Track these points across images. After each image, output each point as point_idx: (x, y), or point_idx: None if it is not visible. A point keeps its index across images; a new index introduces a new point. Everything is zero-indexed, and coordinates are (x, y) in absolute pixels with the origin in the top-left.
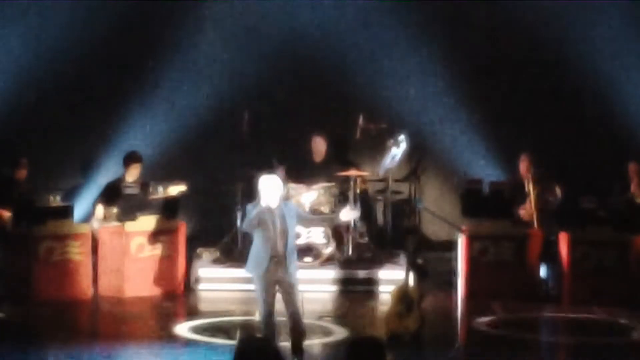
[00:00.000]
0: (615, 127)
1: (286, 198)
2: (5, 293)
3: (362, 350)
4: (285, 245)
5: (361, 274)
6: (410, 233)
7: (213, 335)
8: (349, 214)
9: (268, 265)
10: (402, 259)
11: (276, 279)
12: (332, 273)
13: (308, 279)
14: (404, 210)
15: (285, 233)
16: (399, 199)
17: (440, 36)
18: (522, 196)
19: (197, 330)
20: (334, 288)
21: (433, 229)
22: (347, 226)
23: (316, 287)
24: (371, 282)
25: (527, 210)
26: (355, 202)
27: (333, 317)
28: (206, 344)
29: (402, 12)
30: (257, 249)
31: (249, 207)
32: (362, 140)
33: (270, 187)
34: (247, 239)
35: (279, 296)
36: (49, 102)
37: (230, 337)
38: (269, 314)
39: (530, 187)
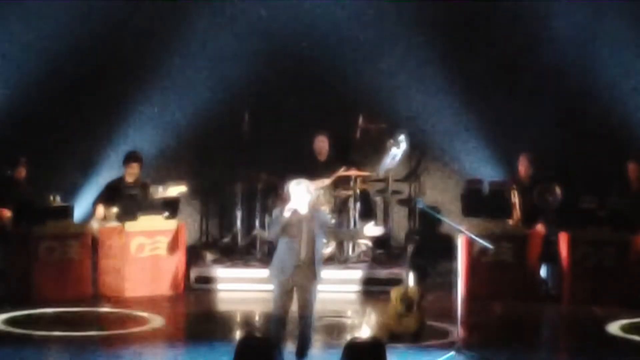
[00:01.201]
0: (615, 127)
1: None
2: (5, 293)
3: (362, 350)
4: (312, 253)
5: (361, 274)
6: (411, 233)
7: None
8: (373, 230)
9: (292, 272)
10: (402, 259)
11: (297, 285)
12: (332, 273)
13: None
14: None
15: (312, 241)
16: (399, 199)
17: (440, 36)
18: (512, 199)
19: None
20: (333, 288)
21: (433, 229)
22: (346, 226)
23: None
24: (371, 282)
25: (515, 220)
26: (355, 202)
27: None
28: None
29: (403, 11)
30: (281, 255)
31: (276, 211)
32: (362, 140)
33: (300, 192)
34: (248, 240)
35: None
36: (49, 102)
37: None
38: (280, 317)
39: (515, 198)
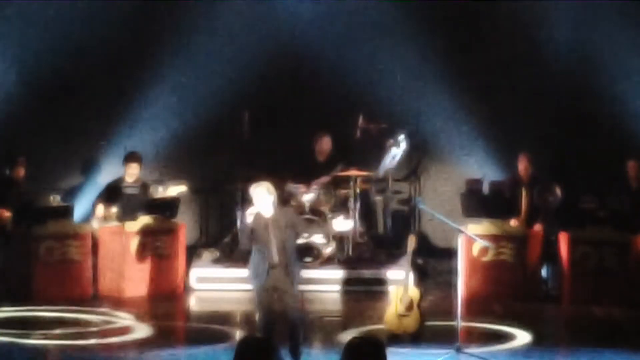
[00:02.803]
0: (615, 126)
1: (287, 199)
2: (5, 293)
3: (362, 350)
4: (285, 255)
5: (361, 274)
6: (410, 233)
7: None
8: (342, 224)
9: (267, 276)
10: (402, 259)
11: (275, 288)
12: (332, 273)
13: (308, 279)
14: (404, 210)
15: (282, 242)
16: (399, 199)
17: (440, 36)
18: (520, 197)
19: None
20: (333, 288)
21: (433, 229)
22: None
23: (316, 287)
24: (371, 282)
25: (520, 221)
26: (355, 202)
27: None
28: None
29: (402, 12)
30: (256, 260)
31: (242, 220)
32: (362, 140)
33: (260, 194)
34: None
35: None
36: (49, 102)
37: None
38: (267, 322)
39: (524, 199)
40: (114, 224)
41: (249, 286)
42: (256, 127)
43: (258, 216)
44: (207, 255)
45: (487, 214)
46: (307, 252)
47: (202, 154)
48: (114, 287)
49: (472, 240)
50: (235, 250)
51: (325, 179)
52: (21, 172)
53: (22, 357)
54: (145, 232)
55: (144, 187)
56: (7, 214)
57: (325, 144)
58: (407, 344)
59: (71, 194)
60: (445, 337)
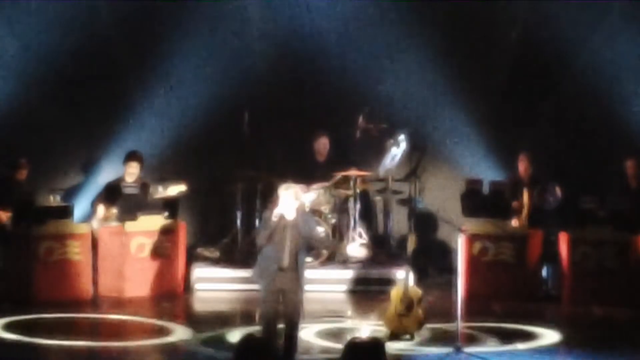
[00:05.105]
0: (615, 126)
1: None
2: (5, 293)
3: (362, 350)
4: (295, 259)
5: (360, 274)
6: (410, 233)
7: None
8: (357, 251)
9: (274, 276)
10: (402, 259)
11: (281, 290)
12: (331, 273)
13: (307, 279)
14: (404, 210)
15: (295, 247)
16: (399, 199)
17: (440, 36)
18: (519, 197)
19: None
20: (333, 288)
21: (433, 229)
22: (347, 226)
23: (316, 287)
24: (371, 282)
25: (521, 221)
26: (355, 202)
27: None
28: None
29: (402, 11)
30: (265, 258)
31: (266, 215)
32: (362, 140)
33: (288, 197)
34: (247, 240)
35: None
36: (49, 102)
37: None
38: (269, 320)
39: (526, 199)
40: (114, 224)
41: (248, 286)
42: (256, 127)
43: (281, 217)
44: (207, 255)
45: (487, 214)
46: (307, 252)
47: (202, 154)
48: (114, 287)
49: (473, 240)
50: (235, 250)
51: (325, 184)
52: (24, 173)
53: None
54: (145, 232)
55: (144, 187)
56: (7, 213)
57: (322, 144)
58: (407, 344)
59: (71, 194)
60: (445, 337)
